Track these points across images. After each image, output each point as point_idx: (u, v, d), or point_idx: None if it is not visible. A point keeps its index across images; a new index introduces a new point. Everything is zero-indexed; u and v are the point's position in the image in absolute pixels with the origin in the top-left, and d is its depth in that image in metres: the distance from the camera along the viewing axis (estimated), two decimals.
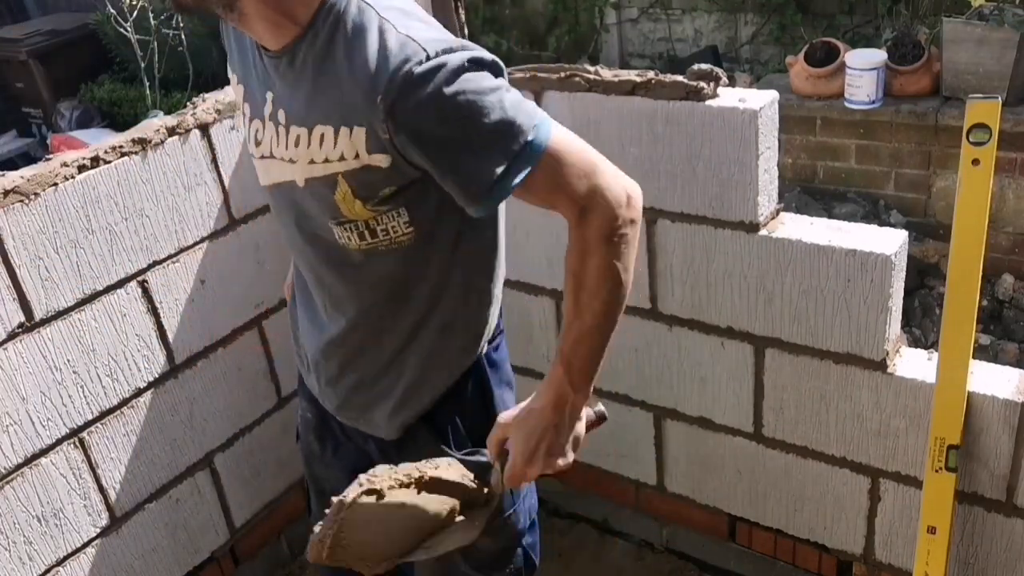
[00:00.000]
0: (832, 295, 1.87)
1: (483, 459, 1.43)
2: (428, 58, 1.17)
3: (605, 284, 1.34)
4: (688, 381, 2.17)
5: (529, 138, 1.23)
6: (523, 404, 1.38)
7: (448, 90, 1.17)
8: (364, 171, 1.25)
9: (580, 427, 1.40)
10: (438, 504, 1.33)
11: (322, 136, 1.26)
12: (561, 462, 1.36)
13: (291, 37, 1.26)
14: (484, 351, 1.53)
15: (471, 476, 1.38)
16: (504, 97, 1.22)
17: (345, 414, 1.56)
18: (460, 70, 1.18)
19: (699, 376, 2.15)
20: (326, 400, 1.58)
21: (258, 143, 1.39)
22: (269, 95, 1.34)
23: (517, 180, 1.25)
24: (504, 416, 1.38)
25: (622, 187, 1.30)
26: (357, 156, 1.24)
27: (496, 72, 1.25)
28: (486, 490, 1.39)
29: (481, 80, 1.20)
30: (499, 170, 1.22)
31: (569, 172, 1.28)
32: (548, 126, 1.26)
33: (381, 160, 1.24)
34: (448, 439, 1.50)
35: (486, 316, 1.52)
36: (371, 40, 1.20)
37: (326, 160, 1.27)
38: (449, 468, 1.36)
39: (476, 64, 1.21)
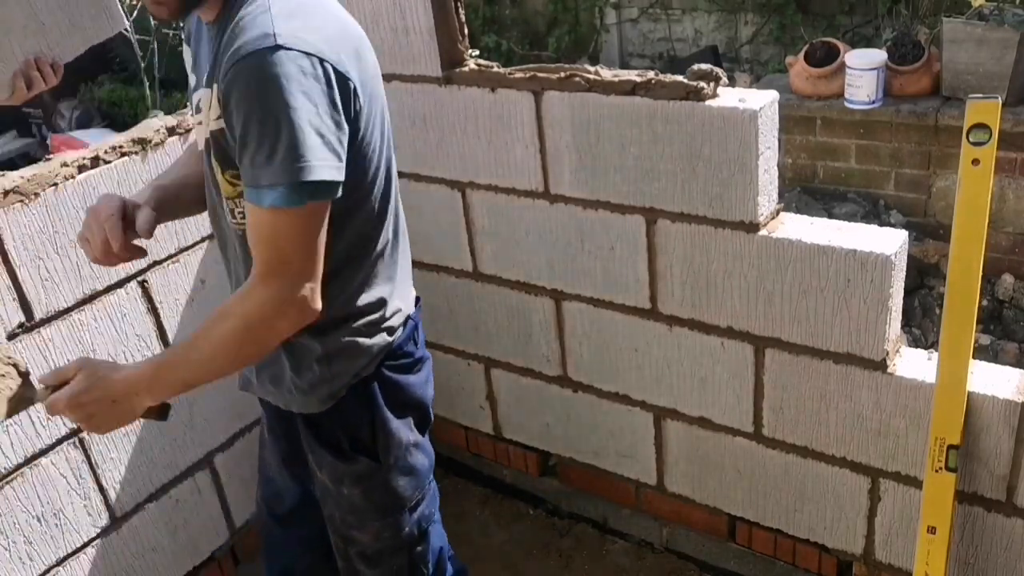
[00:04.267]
0: (832, 295, 1.87)
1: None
2: (275, 46, 1.24)
3: (225, 344, 1.37)
4: (688, 381, 2.17)
5: (299, 179, 1.26)
6: (108, 362, 1.44)
7: (269, 85, 1.23)
8: (220, 133, 1.34)
9: (126, 416, 1.43)
10: None
11: (209, 99, 1.36)
12: (91, 429, 1.43)
13: (216, 11, 1.39)
14: (378, 371, 1.57)
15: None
16: (315, 130, 1.26)
17: (257, 390, 1.66)
18: (295, 66, 1.24)
19: (699, 376, 2.15)
20: (249, 378, 1.68)
21: (198, 110, 1.46)
22: (206, 65, 1.43)
23: (249, 198, 1.30)
24: (89, 362, 1.42)
25: (295, 297, 1.34)
26: (218, 118, 1.33)
27: (347, 103, 1.31)
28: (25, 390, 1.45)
29: (308, 95, 1.25)
30: (262, 182, 1.27)
31: (285, 241, 1.31)
32: (299, 197, 1.28)
33: (224, 122, 1.32)
34: (332, 448, 1.59)
35: (373, 334, 1.55)
36: (251, 18, 1.30)
37: (205, 121, 1.37)
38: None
39: (315, 70, 1.26)
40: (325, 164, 1.27)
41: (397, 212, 1.59)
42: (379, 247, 1.54)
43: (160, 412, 1.48)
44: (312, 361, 1.53)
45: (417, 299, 1.70)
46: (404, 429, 1.63)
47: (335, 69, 1.29)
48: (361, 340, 1.54)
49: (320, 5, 1.39)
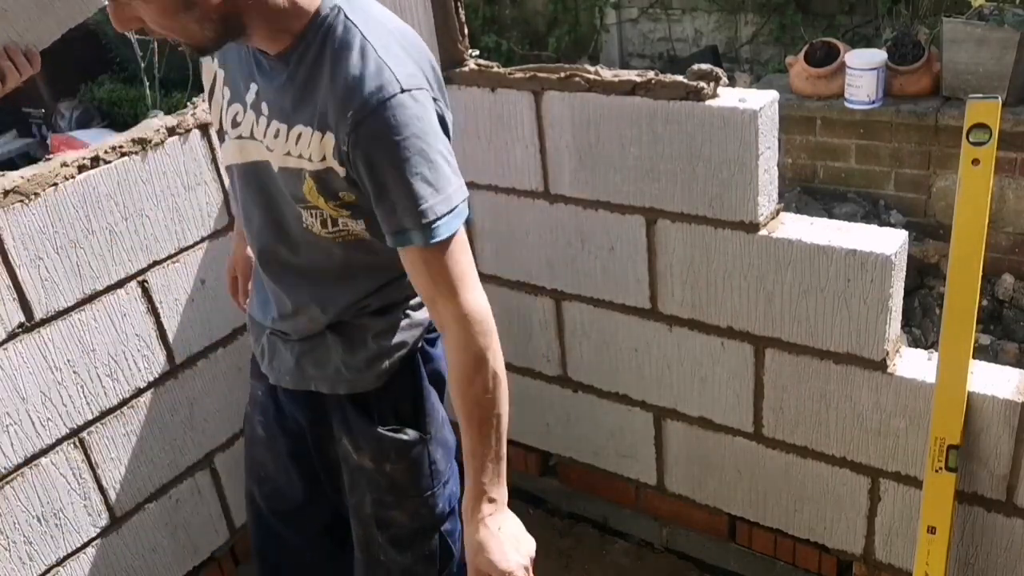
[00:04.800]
0: (832, 295, 1.87)
1: None
2: (402, 91, 1.30)
3: (491, 412, 1.51)
4: (688, 381, 2.17)
5: (436, 224, 1.34)
6: (475, 540, 1.50)
7: (407, 131, 1.30)
8: (326, 172, 1.38)
9: (514, 516, 1.55)
10: None
11: (299, 135, 1.39)
12: (528, 549, 1.56)
13: (285, 45, 1.38)
14: (420, 345, 1.64)
15: None
16: (447, 161, 1.37)
17: (293, 380, 1.67)
18: (424, 114, 1.32)
19: (699, 376, 2.15)
20: (272, 373, 1.69)
21: (235, 124, 1.50)
22: (253, 86, 1.46)
23: (413, 242, 1.36)
24: (474, 556, 1.50)
25: (482, 307, 1.40)
26: (324, 159, 1.37)
27: (445, 127, 1.40)
28: None
29: (436, 132, 1.35)
30: (407, 227, 1.34)
31: (445, 272, 1.37)
32: (458, 221, 1.37)
33: (339, 168, 1.37)
34: (382, 423, 1.63)
35: (418, 308, 1.62)
36: (353, 58, 1.32)
37: (300, 156, 1.40)
38: None
39: (438, 114, 1.37)
40: (459, 188, 1.39)
41: None
42: None
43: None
44: (368, 338, 1.57)
45: None
46: (438, 400, 1.68)
47: (432, 97, 1.37)
48: (412, 313, 1.60)
49: (389, 16, 1.43)
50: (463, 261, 1.38)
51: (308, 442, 1.72)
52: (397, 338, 1.59)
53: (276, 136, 1.42)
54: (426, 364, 1.65)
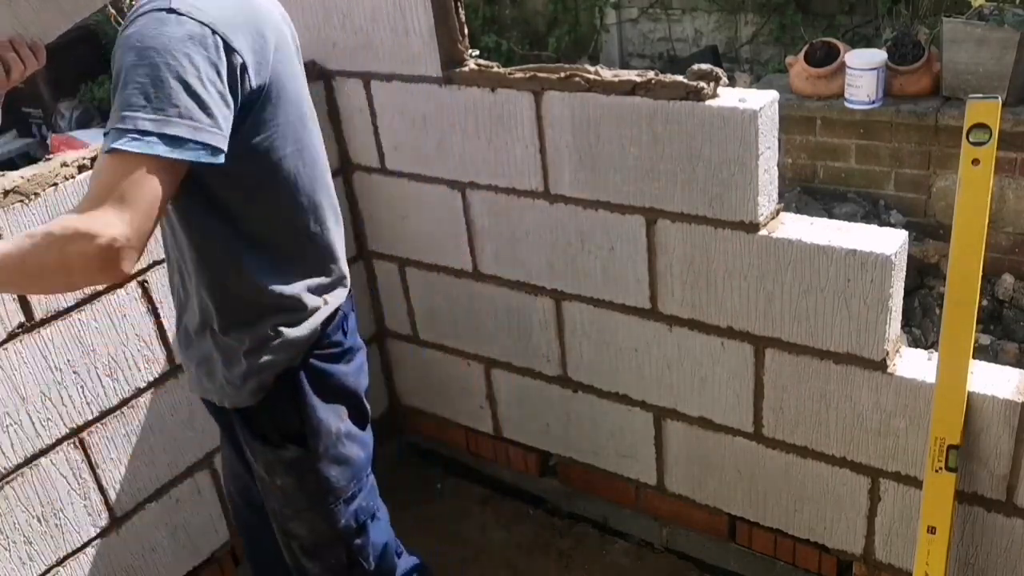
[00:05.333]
0: (832, 295, 1.87)
1: None
2: (168, 10, 1.27)
3: (51, 249, 1.23)
4: (688, 381, 2.17)
5: (162, 131, 1.24)
6: None
7: (153, 43, 1.25)
8: None
9: None
10: None
11: None
12: None
13: None
14: (305, 362, 1.59)
15: None
16: (187, 92, 1.25)
17: (198, 389, 1.69)
18: (184, 31, 1.26)
19: (699, 376, 2.15)
20: (190, 381, 1.71)
21: None
22: None
23: (118, 143, 1.23)
24: None
25: (112, 236, 1.22)
26: None
27: (233, 74, 1.31)
28: None
29: (191, 60, 1.26)
30: (123, 122, 1.24)
31: (126, 184, 1.23)
32: (154, 146, 1.24)
33: None
34: (263, 438, 1.62)
35: (294, 326, 1.56)
36: None
37: None
38: None
39: (203, 38, 1.28)
40: (187, 124, 1.25)
41: (321, 202, 1.59)
42: (301, 237, 1.56)
43: None
44: (240, 355, 1.55)
45: (349, 289, 1.71)
46: (334, 418, 1.65)
47: (225, 43, 1.30)
48: (286, 331, 1.55)
49: None
50: (121, 183, 1.22)
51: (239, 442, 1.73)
52: (267, 357, 1.54)
53: None
54: (316, 381, 1.61)
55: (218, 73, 1.30)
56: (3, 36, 1.64)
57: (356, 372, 1.70)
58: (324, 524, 1.70)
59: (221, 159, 1.29)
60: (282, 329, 1.55)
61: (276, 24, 1.47)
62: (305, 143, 1.53)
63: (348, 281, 1.70)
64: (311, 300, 1.58)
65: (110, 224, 1.21)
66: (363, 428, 1.73)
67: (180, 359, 1.70)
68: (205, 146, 1.27)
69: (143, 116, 1.23)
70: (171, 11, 1.28)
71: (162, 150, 1.23)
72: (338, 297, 1.65)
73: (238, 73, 1.34)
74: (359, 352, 1.72)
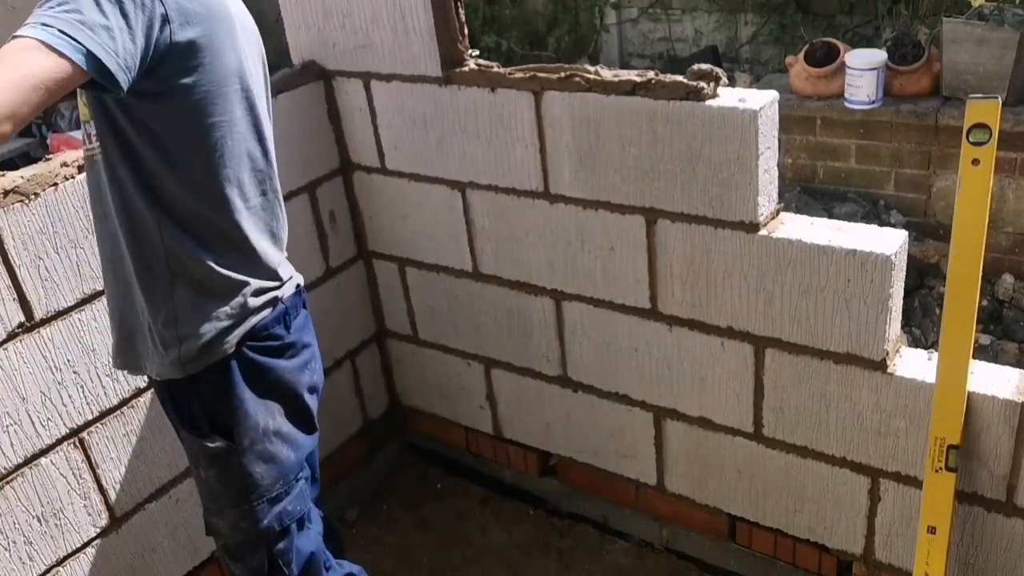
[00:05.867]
0: (832, 295, 1.87)
1: None
2: None
3: None
4: (688, 381, 2.17)
5: (58, 27, 1.25)
6: None
7: None
8: None
9: None
10: None
11: None
12: None
13: None
14: (238, 350, 1.58)
15: None
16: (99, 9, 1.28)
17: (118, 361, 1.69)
18: None
19: (699, 376, 2.15)
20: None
21: None
22: None
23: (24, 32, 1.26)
24: None
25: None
26: None
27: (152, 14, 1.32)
28: None
29: None
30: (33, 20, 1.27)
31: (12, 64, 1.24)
32: (49, 35, 1.25)
33: None
34: (190, 425, 1.62)
35: (213, 298, 1.55)
36: None
37: None
38: None
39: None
40: (82, 33, 1.26)
41: (265, 188, 1.60)
42: (237, 222, 1.55)
43: None
44: (161, 322, 1.55)
45: (298, 285, 1.70)
46: (264, 413, 1.62)
47: None
48: (212, 309, 1.55)
49: None
50: (11, 60, 1.23)
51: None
52: (190, 329, 1.54)
53: None
54: (250, 373, 1.59)
55: (129, 12, 1.31)
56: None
57: (297, 369, 1.67)
58: (245, 522, 1.66)
59: (112, 79, 1.30)
60: (207, 306, 1.54)
61: (225, 5, 1.47)
62: (238, 121, 1.52)
63: (293, 280, 1.68)
64: (247, 288, 1.57)
65: None
66: (302, 429, 1.70)
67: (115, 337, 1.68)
68: (86, 54, 1.26)
69: (49, 14, 1.26)
70: None
71: (52, 39, 1.24)
72: (284, 289, 1.64)
73: (156, 21, 1.34)
74: (305, 350, 1.69)
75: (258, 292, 1.59)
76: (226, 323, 1.55)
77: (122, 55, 1.30)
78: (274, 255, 1.64)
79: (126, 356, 1.66)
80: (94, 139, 1.49)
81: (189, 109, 1.45)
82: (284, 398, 1.65)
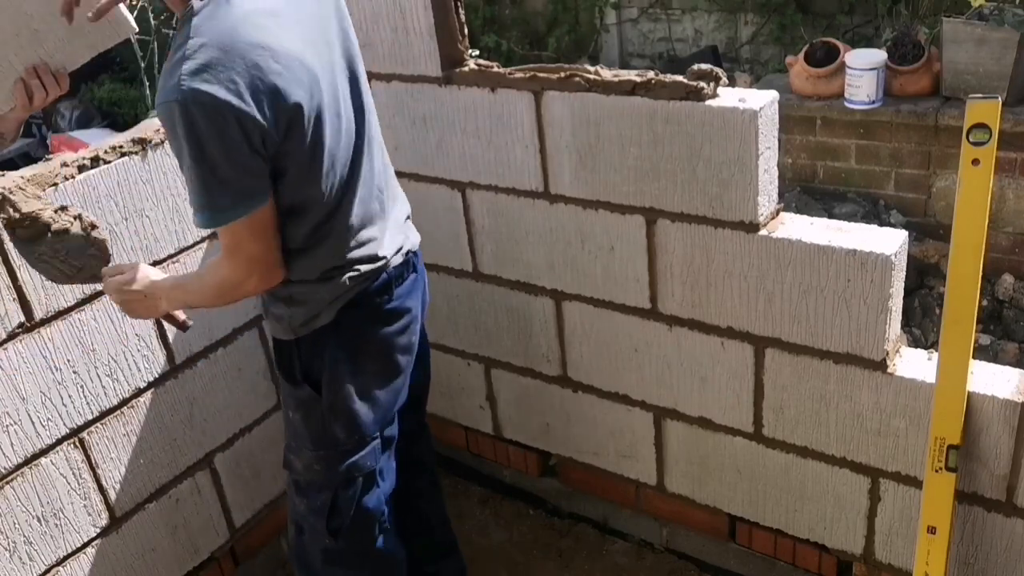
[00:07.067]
0: (832, 295, 1.87)
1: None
2: (178, 100, 1.41)
3: (206, 293, 1.69)
4: (688, 381, 2.17)
5: (219, 213, 1.53)
6: (153, 269, 1.76)
7: (180, 131, 1.43)
8: None
9: (151, 311, 1.77)
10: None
11: None
12: (126, 313, 1.78)
13: (180, 9, 1.56)
14: (335, 315, 1.74)
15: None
16: (223, 163, 1.47)
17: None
18: (203, 120, 1.42)
19: (699, 376, 2.15)
20: None
21: None
22: None
23: (203, 222, 1.55)
24: (141, 265, 1.75)
25: (251, 273, 1.62)
26: None
27: (248, 132, 1.47)
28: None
29: (208, 137, 1.44)
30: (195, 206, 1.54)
31: (232, 239, 1.58)
32: (222, 216, 1.53)
33: None
34: (287, 373, 1.81)
35: (318, 283, 1.71)
36: (177, 41, 1.47)
37: None
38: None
39: (221, 120, 1.43)
40: (225, 193, 1.50)
41: (360, 188, 1.72)
42: (340, 227, 1.70)
43: (180, 325, 1.85)
44: (280, 299, 1.73)
45: (408, 252, 1.84)
46: (351, 374, 1.77)
47: (243, 114, 1.43)
48: (317, 290, 1.71)
49: (261, 17, 1.50)
50: (232, 241, 1.57)
51: None
52: (301, 308, 1.72)
53: None
54: (345, 335, 1.76)
55: (238, 146, 1.51)
56: (29, 64, 1.67)
57: (393, 333, 1.81)
58: (319, 465, 1.82)
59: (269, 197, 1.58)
60: (316, 287, 1.70)
61: (319, 39, 1.66)
62: (348, 145, 1.72)
63: (403, 248, 1.82)
64: (348, 269, 1.71)
65: (249, 266, 1.60)
66: (387, 389, 1.83)
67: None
68: (251, 204, 1.54)
69: (203, 203, 1.54)
70: (184, 103, 1.44)
71: (233, 221, 1.54)
72: (394, 259, 1.78)
73: (263, 134, 1.51)
74: (406, 314, 1.83)
75: (358, 271, 1.72)
76: (330, 299, 1.71)
77: (255, 181, 1.58)
78: (375, 233, 1.76)
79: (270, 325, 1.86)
80: None
81: (309, 174, 1.63)
82: (375, 359, 1.80)
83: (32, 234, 1.76)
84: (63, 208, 1.79)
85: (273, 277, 1.64)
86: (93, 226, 1.80)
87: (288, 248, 1.65)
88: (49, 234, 1.76)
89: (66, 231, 1.76)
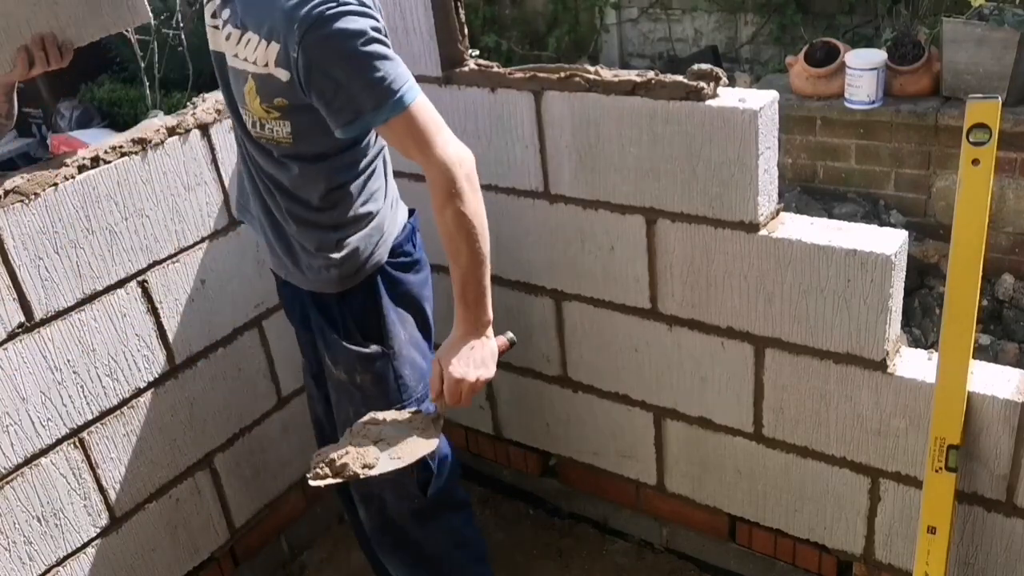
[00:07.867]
0: (832, 295, 1.87)
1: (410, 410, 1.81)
2: (338, 4, 1.50)
3: (461, 231, 1.62)
4: (688, 381, 2.17)
5: (396, 96, 1.56)
6: (446, 341, 1.70)
7: (348, 37, 1.50)
8: (267, 78, 1.60)
9: (493, 344, 1.72)
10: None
11: (248, 40, 1.62)
12: (484, 373, 1.69)
13: None
14: (382, 268, 1.80)
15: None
16: (386, 58, 1.56)
17: (286, 274, 1.89)
18: (360, 26, 1.51)
19: (699, 376, 2.15)
20: (277, 266, 1.91)
21: (214, 15, 1.72)
22: None
23: (378, 121, 1.59)
24: (437, 355, 1.71)
25: (455, 152, 1.62)
26: (267, 65, 1.59)
27: (383, 40, 1.58)
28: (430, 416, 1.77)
29: (373, 39, 1.53)
30: (366, 111, 1.57)
31: (416, 130, 1.60)
32: (414, 92, 1.59)
33: (282, 75, 1.58)
34: (337, 328, 1.82)
35: (368, 221, 1.78)
36: None
37: (245, 59, 1.63)
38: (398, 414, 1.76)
39: (373, 26, 1.54)
40: (404, 71, 1.59)
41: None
42: (380, 166, 1.81)
43: (509, 345, 1.80)
44: (328, 246, 1.75)
45: (412, 210, 1.93)
46: (401, 323, 1.84)
47: (364, 8, 1.55)
48: (369, 231, 1.77)
49: None
50: (427, 120, 1.60)
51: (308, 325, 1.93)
52: (353, 250, 1.75)
53: (228, 38, 1.66)
54: (390, 287, 1.82)
55: (382, 40, 1.62)
56: (37, 32, 1.68)
57: (421, 283, 1.90)
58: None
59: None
60: (367, 228, 1.76)
61: None
62: None
63: (406, 206, 1.91)
64: (387, 213, 1.80)
65: (448, 153, 1.62)
66: (426, 338, 1.92)
67: (264, 243, 1.90)
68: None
69: (391, 83, 1.58)
70: (340, 5, 1.53)
71: (413, 95, 1.61)
72: (405, 214, 1.88)
73: (380, 28, 1.62)
74: (426, 266, 1.92)
75: (393, 217, 1.82)
76: (376, 240, 1.78)
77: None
78: (396, 190, 1.89)
79: (279, 265, 1.88)
80: (275, 131, 1.67)
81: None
82: (414, 309, 1.88)
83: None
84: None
85: (463, 150, 1.65)
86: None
87: (372, 171, 1.74)
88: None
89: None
